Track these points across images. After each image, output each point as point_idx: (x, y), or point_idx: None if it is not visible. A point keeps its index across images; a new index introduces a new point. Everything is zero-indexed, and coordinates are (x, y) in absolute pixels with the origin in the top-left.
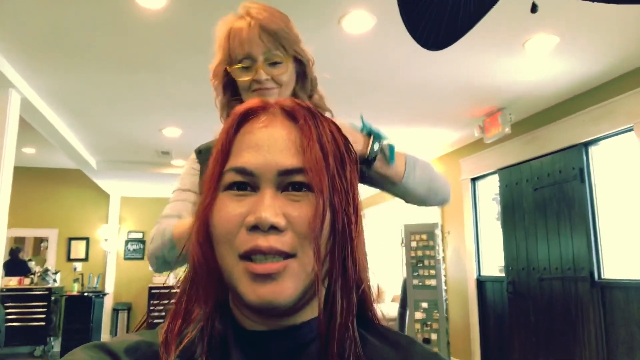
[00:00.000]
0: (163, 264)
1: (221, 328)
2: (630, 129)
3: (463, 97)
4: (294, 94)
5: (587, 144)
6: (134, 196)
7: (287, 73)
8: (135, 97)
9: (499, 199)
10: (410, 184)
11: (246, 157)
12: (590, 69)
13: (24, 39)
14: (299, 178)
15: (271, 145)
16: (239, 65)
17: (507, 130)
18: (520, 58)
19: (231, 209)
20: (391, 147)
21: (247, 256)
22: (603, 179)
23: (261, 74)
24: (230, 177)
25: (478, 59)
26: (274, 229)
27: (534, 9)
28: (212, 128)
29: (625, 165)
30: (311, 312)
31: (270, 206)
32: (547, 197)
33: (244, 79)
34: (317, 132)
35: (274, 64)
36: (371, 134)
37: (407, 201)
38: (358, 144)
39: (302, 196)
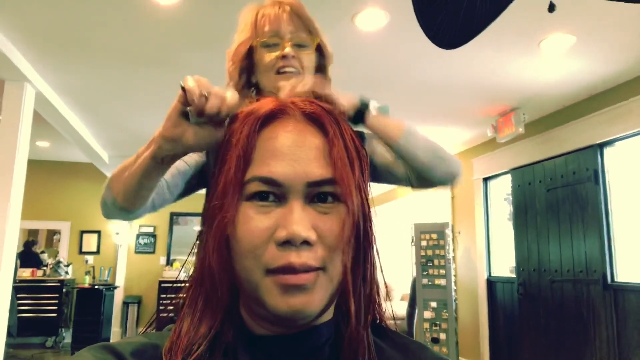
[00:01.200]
0: (104, 207)
1: (230, 334)
2: None
3: (476, 96)
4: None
5: (602, 145)
6: None
7: (311, 58)
8: (148, 93)
9: (511, 199)
10: (412, 144)
11: (272, 165)
12: (607, 70)
13: (38, 34)
14: (327, 189)
15: (298, 153)
16: (265, 41)
17: (521, 130)
18: (535, 57)
19: (258, 221)
20: (384, 106)
21: (275, 273)
22: (618, 181)
23: (289, 51)
24: (254, 187)
25: (492, 58)
26: (305, 243)
27: (551, 8)
28: None
29: None
30: (326, 315)
31: (301, 220)
32: (560, 198)
33: (270, 55)
34: (343, 140)
35: (300, 46)
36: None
37: (414, 167)
38: (346, 99)
39: (330, 207)
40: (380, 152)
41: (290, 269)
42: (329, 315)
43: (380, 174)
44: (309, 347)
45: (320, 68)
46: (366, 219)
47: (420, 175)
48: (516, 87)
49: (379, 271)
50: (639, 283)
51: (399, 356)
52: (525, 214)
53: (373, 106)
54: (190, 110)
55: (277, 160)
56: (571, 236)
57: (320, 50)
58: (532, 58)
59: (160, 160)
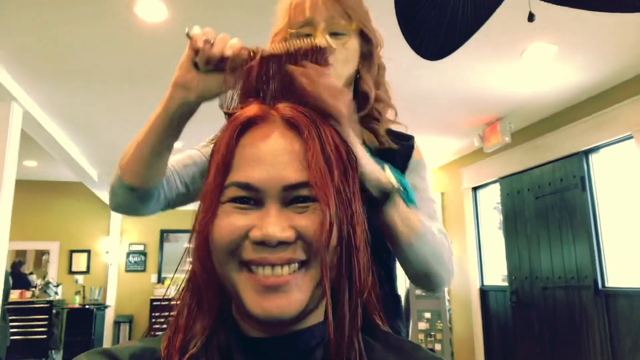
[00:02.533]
0: (112, 194)
1: (224, 337)
2: (630, 137)
3: (462, 107)
4: (359, 76)
5: (587, 152)
6: None
7: (348, 48)
8: (137, 110)
9: (500, 207)
10: (422, 249)
11: (249, 171)
12: (590, 77)
13: (26, 53)
14: (304, 192)
15: (274, 158)
16: (298, 30)
17: (507, 139)
18: (518, 67)
19: (234, 219)
20: (407, 188)
21: (250, 265)
22: (604, 187)
23: (322, 40)
24: (232, 192)
25: (476, 69)
26: (282, 244)
27: (531, 18)
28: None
29: (626, 173)
30: (315, 317)
31: (276, 221)
32: (549, 205)
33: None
34: (320, 143)
35: (336, 34)
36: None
37: (407, 269)
38: (376, 171)
39: (308, 206)
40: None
41: (266, 262)
42: (319, 317)
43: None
44: (300, 349)
45: (367, 56)
46: (346, 221)
47: (414, 279)
48: (501, 96)
49: (372, 276)
50: (629, 288)
51: (393, 356)
52: (515, 222)
53: (400, 190)
54: (197, 59)
55: (254, 166)
56: (561, 243)
57: (364, 36)
58: (515, 68)
59: (172, 114)
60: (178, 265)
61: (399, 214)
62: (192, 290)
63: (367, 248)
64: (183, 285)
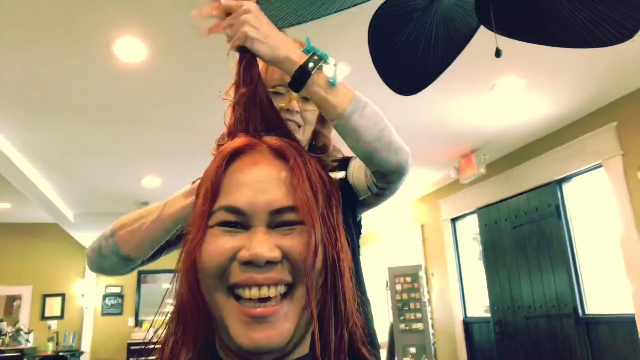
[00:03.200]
0: (98, 256)
1: None
2: (599, 166)
3: (437, 139)
4: (316, 133)
5: (560, 181)
6: None
7: (315, 113)
8: (114, 148)
9: (479, 238)
10: (356, 121)
11: (237, 196)
12: (558, 110)
13: (0, 92)
14: (290, 216)
15: (262, 184)
16: (272, 90)
17: (482, 170)
18: (490, 100)
19: (222, 241)
20: (323, 54)
21: (238, 294)
22: (578, 215)
23: (294, 105)
24: (221, 216)
25: (449, 103)
26: (269, 264)
27: (497, 53)
28: (191, 176)
29: (597, 200)
30: (300, 351)
31: (264, 242)
32: (527, 234)
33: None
34: (306, 171)
35: (306, 99)
36: (313, 52)
37: (352, 148)
38: (292, 54)
39: (293, 229)
40: (353, 169)
41: (252, 283)
42: (304, 349)
43: (361, 199)
44: None
45: (324, 119)
46: (331, 246)
47: (368, 165)
48: (475, 129)
49: (357, 308)
50: (609, 314)
51: None
52: (494, 252)
53: (320, 66)
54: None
55: (241, 191)
56: (540, 271)
57: None
58: (487, 101)
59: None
60: (160, 306)
61: (324, 88)
62: (178, 318)
63: (352, 278)
64: (169, 315)
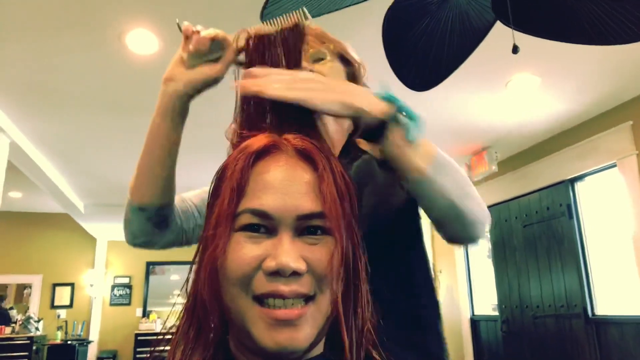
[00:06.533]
0: (125, 222)
1: None
2: (614, 165)
3: (449, 136)
4: None
5: (573, 180)
6: (121, 240)
7: (332, 67)
8: (126, 141)
9: (488, 236)
10: (438, 182)
11: (264, 199)
12: (573, 107)
13: (13, 83)
14: (317, 222)
15: (289, 187)
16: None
17: (494, 168)
18: (503, 97)
19: (247, 250)
20: (417, 119)
21: (262, 299)
22: (590, 215)
23: (305, 65)
24: (246, 219)
25: (462, 99)
26: (294, 274)
27: (515, 50)
28: (200, 169)
29: (611, 200)
30: (316, 350)
31: (290, 251)
32: (537, 233)
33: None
34: (333, 177)
35: (317, 60)
36: (392, 101)
37: (432, 214)
38: (373, 105)
39: (319, 239)
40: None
41: (278, 295)
42: (319, 349)
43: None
44: None
45: (350, 77)
46: (356, 255)
47: (439, 226)
48: (487, 126)
49: (370, 306)
50: (619, 315)
51: None
52: (504, 251)
53: (403, 121)
54: (190, 45)
55: (268, 194)
56: (550, 271)
57: (344, 60)
58: (500, 98)
59: (165, 110)
60: (177, 297)
61: (405, 145)
62: (192, 321)
63: (367, 278)
64: (181, 314)
